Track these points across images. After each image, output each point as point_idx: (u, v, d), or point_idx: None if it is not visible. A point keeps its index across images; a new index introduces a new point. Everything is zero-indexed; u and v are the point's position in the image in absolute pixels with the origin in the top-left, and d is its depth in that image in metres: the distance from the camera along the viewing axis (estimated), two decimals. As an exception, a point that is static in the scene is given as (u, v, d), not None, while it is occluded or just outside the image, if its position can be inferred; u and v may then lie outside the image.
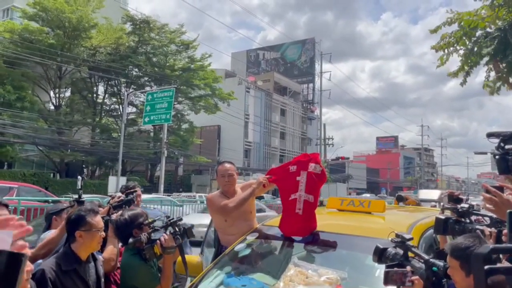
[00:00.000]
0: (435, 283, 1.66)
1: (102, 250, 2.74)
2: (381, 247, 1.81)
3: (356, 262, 2.56)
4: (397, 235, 1.83)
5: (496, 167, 2.04)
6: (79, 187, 3.23)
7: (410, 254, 1.79)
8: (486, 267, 1.36)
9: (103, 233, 2.40)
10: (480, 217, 2.20)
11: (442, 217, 2.13)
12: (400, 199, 6.09)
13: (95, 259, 2.40)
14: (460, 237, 1.76)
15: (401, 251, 1.78)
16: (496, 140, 2.00)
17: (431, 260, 1.69)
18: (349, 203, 3.14)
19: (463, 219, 2.11)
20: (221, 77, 34.62)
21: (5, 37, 24.61)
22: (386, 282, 1.70)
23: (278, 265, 2.72)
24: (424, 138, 64.27)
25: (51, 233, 2.73)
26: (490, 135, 2.08)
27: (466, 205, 2.19)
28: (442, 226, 2.10)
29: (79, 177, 3.29)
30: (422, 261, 1.71)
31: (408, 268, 1.70)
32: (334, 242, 2.63)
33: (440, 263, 1.67)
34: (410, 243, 1.79)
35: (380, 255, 1.80)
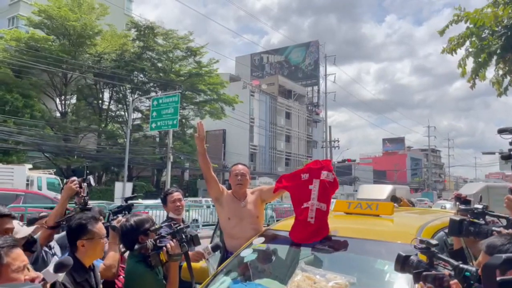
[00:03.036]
0: None
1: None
2: (404, 254, 1.71)
3: (365, 266, 2.50)
4: (422, 241, 1.74)
5: (511, 165, 1.98)
6: (85, 193, 3.16)
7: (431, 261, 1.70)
8: (498, 278, 1.28)
9: (105, 240, 2.37)
10: (495, 219, 2.14)
11: (457, 218, 2.07)
12: (394, 200, 6.06)
13: (93, 266, 2.37)
14: (496, 236, 1.67)
15: (424, 258, 1.69)
16: (508, 136, 1.93)
17: (461, 265, 1.61)
18: (357, 206, 3.09)
19: (477, 220, 2.05)
20: (227, 82, 34.71)
21: (12, 46, 24.85)
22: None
23: (285, 270, 2.67)
24: (431, 139, 63.97)
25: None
26: (502, 131, 2.01)
27: (480, 206, 2.12)
28: (457, 228, 2.03)
29: (84, 184, 3.17)
30: (451, 267, 1.63)
31: (446, 272, 1.61)
32: (342, 246, 2.58)
33: (472, 268, 1.60)
34: (435, 249, 1.70)
35: (403, 263, 1.71)
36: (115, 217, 3.08)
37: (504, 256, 1.34)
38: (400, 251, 1.74)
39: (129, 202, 3.37)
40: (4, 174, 15.70)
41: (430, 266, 1.66)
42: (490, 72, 7.20)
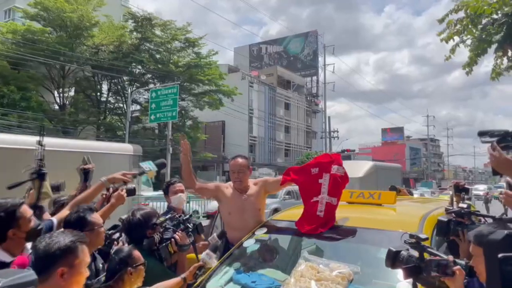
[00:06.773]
0: None
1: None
2: (394, 250, 1.71)
3: (368, 256, 2.51)
4: (411, 236, 1.73)
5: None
6: (39, 156, 2.65)
7: (425, 255, 1.69)
8: (500, 255, 1.27)
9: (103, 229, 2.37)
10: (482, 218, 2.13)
11: (445, 219, 2.06)
12: (393, 190, 6.08)
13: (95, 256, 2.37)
14: (484, 225, 1.68)
15: (415, 253, 1.68)
16: (488, 139, 1.89)
17: (451, 259, 1.61)
18: (359, 195, 3.09)
19: (463, 220, 2.04)
20: (225, 74, 34.54)
21: (8, 38, 24.67)
22: (427, 273, 1.61)
23: (288, 260, 2.68)
24: (430, 129, 63.94)
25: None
26: (482, 133, 1.96)
27: (465, 205, 2.11)
28: (444, 229, 2.03)
29: (39, 146, 2.56)
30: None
31: (450, 257, 1.61)
32: (345, 235, 2.58)
33: (462, 261, 1.60)
34: (425, 243, 1.69)
35: (393, 259, 1.70)
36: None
37: (506, 231, 1.34)
38: (391, 247, 1.73)
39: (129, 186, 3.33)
40: None
41: (421, 261, 1.65)
42: (489, 60, 7.16)
